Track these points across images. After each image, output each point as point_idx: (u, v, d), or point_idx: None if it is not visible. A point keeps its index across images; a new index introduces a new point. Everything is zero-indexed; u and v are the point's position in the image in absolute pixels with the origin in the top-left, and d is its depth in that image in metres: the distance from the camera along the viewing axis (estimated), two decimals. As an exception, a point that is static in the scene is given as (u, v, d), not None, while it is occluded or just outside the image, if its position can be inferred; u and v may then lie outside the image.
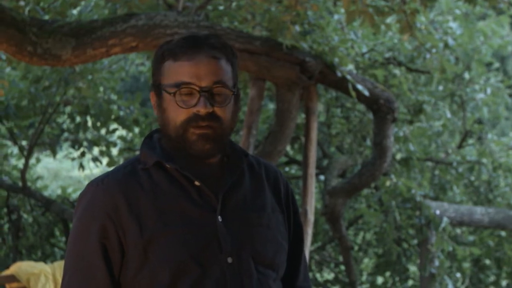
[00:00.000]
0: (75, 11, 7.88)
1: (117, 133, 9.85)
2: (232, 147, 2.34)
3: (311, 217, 6.39)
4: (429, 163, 9.82)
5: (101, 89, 8.96)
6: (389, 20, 6.91)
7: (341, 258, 9.97)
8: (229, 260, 2.18)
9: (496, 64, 10.88)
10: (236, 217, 2.24)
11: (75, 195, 10.80)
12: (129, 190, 2.20)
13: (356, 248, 10.69)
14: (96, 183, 2.24)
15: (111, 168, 2.32)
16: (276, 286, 2.28)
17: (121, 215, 2.18)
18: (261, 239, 2.25)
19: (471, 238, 10.06)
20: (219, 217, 2.21)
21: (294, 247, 2.41)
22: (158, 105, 2.26)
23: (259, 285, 2.21)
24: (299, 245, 2.44)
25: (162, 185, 2.22)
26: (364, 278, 10.80)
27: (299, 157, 9.64)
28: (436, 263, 8.58)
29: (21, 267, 6.51)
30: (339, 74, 6.21)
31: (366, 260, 11.10)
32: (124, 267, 2.19)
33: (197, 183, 2.22)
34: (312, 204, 6.45)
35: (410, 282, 10.44)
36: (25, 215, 10.45)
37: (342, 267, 10.34)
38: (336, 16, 7.29)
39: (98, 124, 9.16)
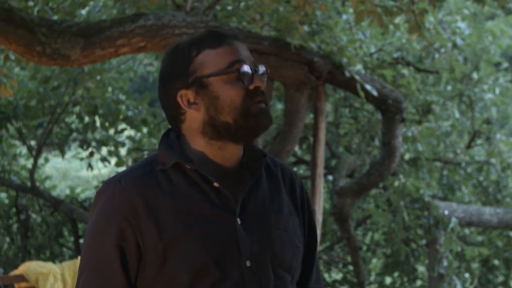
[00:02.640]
0: (83, 11, 7.90)
1: (126, 133, 9.87)
2: (251, 147, 2.31)
3: (319, 217, 6.39)
4: (438, 163, 9.81)
5: (110, 89, 8.98)
6: (397, 20, 6.90)
7: (349, 258, 9.98)
8: (248, 263, 2.16)
9: (505, 64, 10.87)
10: (254, 219, 2.22)
11: (83, 195, 10.84)
12: (147, 191, 2.17)
13: (364, 248, 10.69)
14: (114, 183, 2.20)
15: (122, 168, 2.29)
16: None
17: (139, 217, 2.15)
18: (279, 243, 2.23)
19: (479, 238, 10.05)
20: (238, 219, 2.19)
21: (308, 249, 2.39)
22: (199, 100, 2.22)
23: None
24: (313, 247, 2.42)
25: (181, 186, 2.19)
26: (372, 278, 10.80)
27: (307, 157, 9.65)
28: (445, 263, 8.57)
29: (30, 267, 6.53)
30: (347, 74, 6.20)
31: (374, 260, 11.10)
32: (141, 269, 2.17)
33: (216, 184, 2.19)
34: (321, 204, 6.45)
35: (419, 283, 10.44)
36: (33, 215, 10.49)
37: (351, 267, 10.35)
38: (344, 16, 7.29)
39: (107, 124, 9.18)
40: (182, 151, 2.23)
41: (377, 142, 8.77)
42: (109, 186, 2.21)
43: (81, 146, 9.60)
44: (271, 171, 2.35)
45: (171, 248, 2.13)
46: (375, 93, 6.40)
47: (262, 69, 2.26)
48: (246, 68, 2.22)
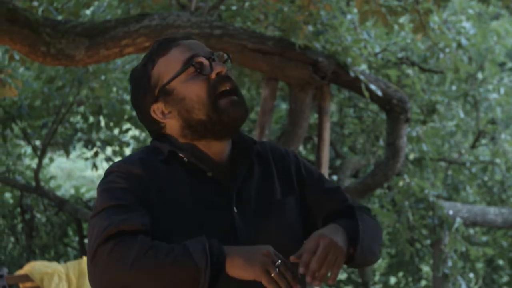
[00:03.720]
0: (88, 11, 7.90)
1: (130, 133, 9.88)
2: (240, 136, 2.33)
3: (324, 217, 6.37)
4: (442, 163, 9.80)
5: (114, 89, 8.98)
6: (402, 20, 6.90)
7: (354, 258, 9.95)
8: None
9: (510, 64, 10.87)
10: (249, 207, 2.23)
11: (88, 195, 10.84)
12: (149, 174, 2.17)
13: (369, 248, 10.66)
14: (118, 165, 2.20)
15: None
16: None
17: (145, 191, 2.14)
18: (275, 229, 2.24)
19: (484, 238, 10.04)
20: (234, 208, 2.20)
21: (336, 203, 2.40)
22: (172, 104, 2.23)
23: None
24: (340, 198, 2.43)
25: (177, 177, 2.20)
26: (377, 278, 10.80)
27: (312, 157, 9.64)
28: (449, 263, 8.57)
29: (35, 267, 6.53)
30: (352, 74, 6.20)
31: (379, 260, 11.09)
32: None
33: (209, 174, 2.21)
34: (325, 204, 6.43)
35: (423, 283, 10.43)
36: (38, 215, 10.49)
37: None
38: (349, 16, 7.28)
39: (111, 124, 9.19)
40: (174, 144, 2.25)
41: (381, 142, 8.76)
42: (113, 168, 2.20)
43: (85, 146, 9.61)
44: (262, 157, 2.36)
45: (167, 238, 2.10)
46: (379, 93, 6.39)
47: (220, 55, 2.28)
48: (200, 59, 2.23)
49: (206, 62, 2.23)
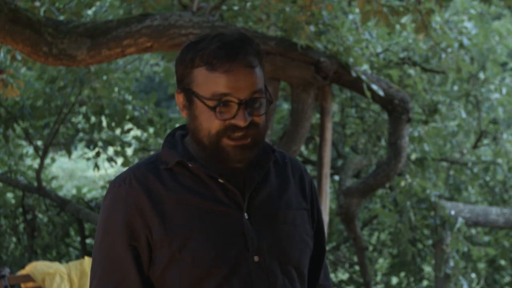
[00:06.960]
0: (90, 12, 7.90)
1: (132, 133, 9.87)
2: None
3: (325, 217, 6.39)
4: (444, 163, 9.79)
5: (116, 89, 8.99)
6: (404, 20, 6.89)
7: (355, 258, 9.97)
8: (256, 258, 2.16)
9: (511, 64, 10.85)
10: (262, 214, 2.21)
11: (90, 195, 10.84)
12: (152, 190, 2.17)
13: (370, 248, 10.67)
14: (119, 183, 2.20)
15: (130, 166, 2.28)
16: (301, 285, 2.26)
17: (146, 214, 2.15)
18: (287, 238, 2.23)
19: (486, 238, 10.03)
20: (245, 214, 2.18)
21: (315, 245, 2.38)
22: (187, 108, 2.20)
23: (284, 285, 2.19)
24: (321, 243, 2.42)
25: (186, 184, 2.19)
26: (378, 278, 10.79)
27: (313, 157, 9.64)
28: (451, 263, 8.56)
29: (37, 267, 6.53)
30: (354, 74, 6.20)
31: (381, 261, 11.09)
32: (152, 264, 2.17)
33: (220, 180, 2.18)
34: (327, 204, 6.44)
35: (425, 283, 10.42)
36: (40, 215, 10.49)
37: (357, 267, 10.34)
38: (351, 16, 7.28)
39: (113, 124, 9.18)
40: (186, 150, 2.23)
41: (383, 142, 8.76)
42: (114, 187, 2.22)
43: (87, 146, 9.60)
44: (280, 166, 2.34)
45: (177, 245, 2.13)
46: (381, 93, 6.39)
47: (257, 101, 2.18)
48: (230, 101, 2.13)
49: (234, 106, 2.14)
